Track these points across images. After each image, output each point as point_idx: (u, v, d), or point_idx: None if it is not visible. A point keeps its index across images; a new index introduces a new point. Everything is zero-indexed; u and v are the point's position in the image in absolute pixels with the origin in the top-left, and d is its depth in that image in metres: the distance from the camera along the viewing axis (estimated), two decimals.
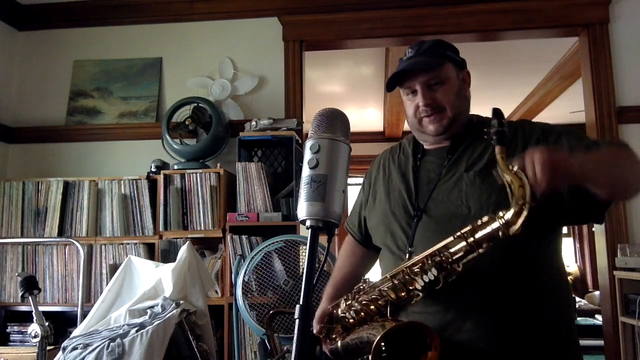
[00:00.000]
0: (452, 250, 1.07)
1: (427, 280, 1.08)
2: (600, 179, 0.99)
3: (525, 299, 1.13)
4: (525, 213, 0.97)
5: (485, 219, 1.04)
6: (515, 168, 0.99)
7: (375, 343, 1.01)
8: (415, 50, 1.28)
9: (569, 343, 1.18)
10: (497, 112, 1.08)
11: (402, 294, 1.13)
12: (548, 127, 1.23)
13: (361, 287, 1.22)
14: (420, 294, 1.11)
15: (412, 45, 1.31)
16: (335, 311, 1.25)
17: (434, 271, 1.07)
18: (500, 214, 1.01)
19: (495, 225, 1.02)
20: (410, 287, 1.12)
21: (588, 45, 3.03)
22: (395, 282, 1.13)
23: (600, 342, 3.08)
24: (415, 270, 1.10)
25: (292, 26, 3.22)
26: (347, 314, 1.20)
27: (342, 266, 1.48)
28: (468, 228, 1.06)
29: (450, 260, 1.07)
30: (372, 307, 1.16)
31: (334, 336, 1.23)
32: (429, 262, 1.09)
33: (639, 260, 2.63)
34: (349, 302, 1.21)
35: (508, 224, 0.99)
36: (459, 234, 1.07)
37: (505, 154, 1.03)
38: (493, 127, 1.05)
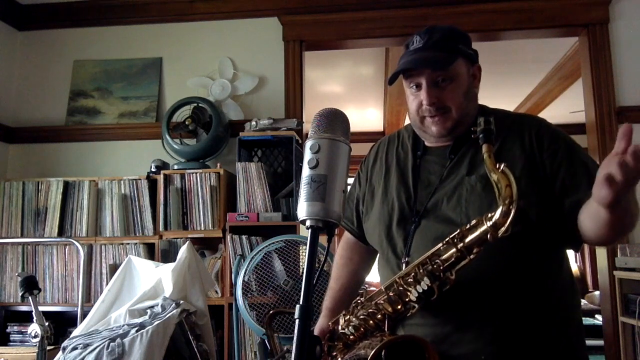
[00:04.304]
0: (443, 257, 1.02)
1: (420, 290, 1.03)
2: (627, 215, 0.95)
3: (528, 308, 1.08)
4: (512, 212, 0.94)
5: (473, 222, 1.01)
6: (502, 167, 0.97)
7: (370, 358, 0.98)
8: (424, 41, 1.16)
9: (572, 346, 1.12)
10: (483, 112, 1.07)
11: (399, 306, 1.08)
12: (573, 148, 1.13)
13: (359, 301, 1.16)
14: (416, 305, 1.06)
15: (421, 31, 1.18)
16: (335, 327, 1.18)
17: (427, 281, 1.03)
18: (489, 215, 0.98)
19: (483, 228, 0.98)
20: (406, 299, 1.07)
21: (588, 45, 3.03)
22: (391, 294, 1.08)
23: (600, 342, 3.08)
24: (409, 280, 1.06)
25: (292, 26, 3.22)
26: (346, 330, 1.14)
27: (340, 276, 1.38)
28: (457, 233, 1.02)
29: (441, 268, 1.02)
30: (371, 322, 1.11)
31: (334, 353, 1.16)
32: (421, 271, 1.04)
33: (639, 260, 2.63)
34: (348, 317, 1.15)
35: (496, 225, 0.96)
36: (448, 239, 1.02)
37: (492, 152, 1.00)
38: (479, 126, 1.03)
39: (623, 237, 1.06)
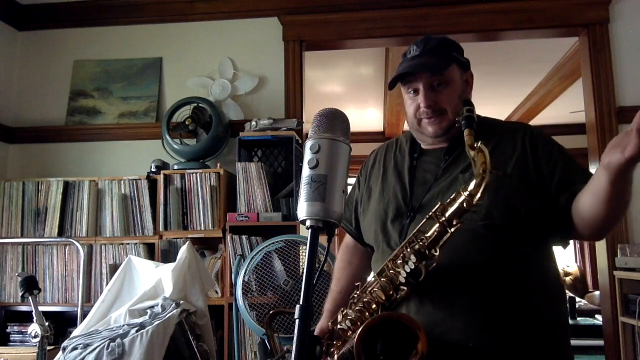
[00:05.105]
0: (427, 234, 1.09)
1: (408, 270, 1.09)
2: (624, 197, 1.04)
3: (516, 298, 1.13)
4: (485, 181, 1.04)
5: (452, 196, 1.09)
6: (479, 144, 1.07)
7: (355, 339, 1.02)
8: (420, 49, 1.25)
9: (559, 343, 1.17)
10: (466, 102, 1.20)
11: (391, 292, 1.13)
12: (564, 150, 1.23)
13: (355, 294, 1.19)
14: (405, 287, 1.11)
15: (417, 41, 1.27)
16: (334, 327, 1.21)
17: (413, 259, 1.09)
18: (465, 186, 1.07)
19: (461, 198, 1.07)
20: (396, 283, 1.12)
21: (588, 45, 3.03)
22: (383, 279, 1.14)
23: (600, 342, 3.08)
24: (398, 262, 1.12)
25: (292, 26, 3.22)
26: (343, 324, 1.17)
27: (340, 278, 1.44)
28: (438, 206, 1.10)
29: (426, 244, 1.08)
30: (366, 313, 1.14)
31: (332, 350, 1.19)
32: (408, 250, 1.10)
33: (639, 260, 2.63)
34: (345, 311, 1.19)
35: (471, 194, 1.05)
36: (430, 214, 1.10)
37: (473, 136, 1.11)
38: (462, 114, 1.17)
39: (616, 221, 1.13)
